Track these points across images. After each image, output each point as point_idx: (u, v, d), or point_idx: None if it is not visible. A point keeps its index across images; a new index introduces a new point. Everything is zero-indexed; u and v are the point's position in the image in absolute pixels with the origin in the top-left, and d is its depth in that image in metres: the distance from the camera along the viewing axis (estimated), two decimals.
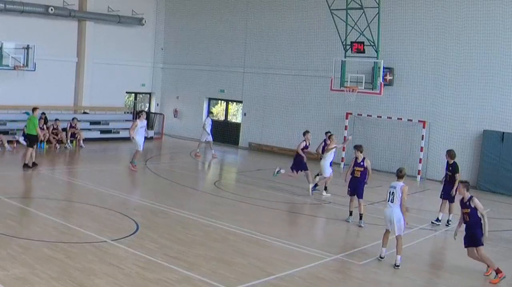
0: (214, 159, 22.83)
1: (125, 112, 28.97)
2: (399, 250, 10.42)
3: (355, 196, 13.61)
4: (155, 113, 29.96)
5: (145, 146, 19.63)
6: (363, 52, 20.43)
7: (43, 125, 22.32)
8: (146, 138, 19.71)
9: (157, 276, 8.80)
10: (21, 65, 23.05)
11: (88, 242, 10.35)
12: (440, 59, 20.92)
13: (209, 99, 29.22)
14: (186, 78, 29.45)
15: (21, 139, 22.14)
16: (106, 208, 13.13)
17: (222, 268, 9.48)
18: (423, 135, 21.06)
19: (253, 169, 21.05)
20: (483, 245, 10.17)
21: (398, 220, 10.50)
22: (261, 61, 26.42)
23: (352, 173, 13.69)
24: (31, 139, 18.08)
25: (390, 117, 21.86)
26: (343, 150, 21.97)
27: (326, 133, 17.92)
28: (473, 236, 10.15)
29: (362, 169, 13.55)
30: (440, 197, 14.22)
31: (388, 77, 21.62)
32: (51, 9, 24.45)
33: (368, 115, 22.36)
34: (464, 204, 10.27)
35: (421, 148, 21.08)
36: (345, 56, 21.06)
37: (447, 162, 14.23)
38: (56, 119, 22.97)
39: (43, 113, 23.07)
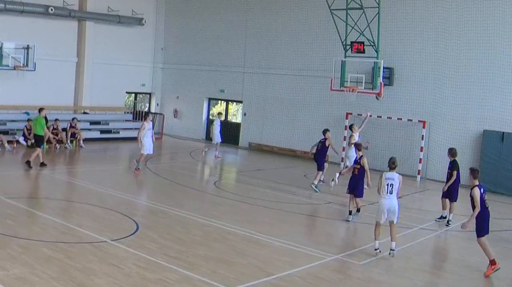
0: (217, 159, 22.80)
1: (125, 112, 28.98)
2: (395, 237, 11.04)
3: (352, 194, 13.72)
4: (155, 113, 29.95)
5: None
6: (363, 52, 20.43)
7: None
8: (153, 141, 18.94)
9: (157, 276, 8.80)
10: (21, 65, 23.06)
11: (88, 242, 10.35)
12: (440, 59, 20.92)
13: (209, 99, 29.23)
14: (186, 78, 29.46)
15: (21, 139, 22.17)
16: (106, 208, 13.13)
17: (222, 268, 9.48)
18: (423, 135, 21.07)
19: (253, 169, 21.05)
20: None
21: (398, 210, 11.13)
22: (261, 61, 26.42)
23: (353, 171, 13.90)
24: (38, 140, 18.13)
25: (390, 117, 21.86)
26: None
27: (324, 131, 17.93)
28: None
29: (359, 167, 13.66)
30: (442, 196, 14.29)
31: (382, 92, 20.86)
32: (51, 9, 24.45)
33: (368, 115, 22.32)
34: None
35: (421, 148, 21.08)
36: (345, 56, 21.06)
37: (449, 160, 14.30)
38: (56, 119, 22.97)
39: None
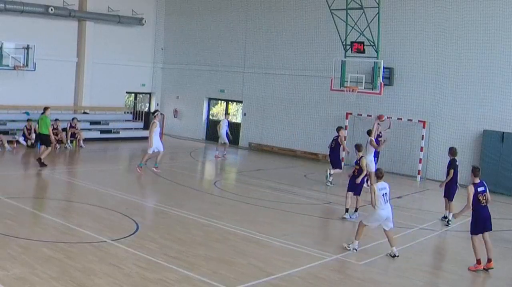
0: (217, 158, 22.77)
1: (125, 112, 28.99)
2: (395, 240, 11.17)
3: (352, 193, 13.84)
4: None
5: (146, 146, 19.50)
6: (363, 52, 20.44)
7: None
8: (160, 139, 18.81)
9: (157, 276, 8.80)
10: (21, 65, 23.07)
11: (88, 242, 10.35)
12: (440, 59, 20.92)
13: (209, 99, 29.23)
14: (186, 78, 29.46)
15: (21, 139, 22.18)
16: (106, 208, 13.13)
17: (222, 268, 9.48)
18: (423, 135, 21.06)
19: (253, 169, 21.05)
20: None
21: (393, 216, 11.23)
22: (261, 61, 26.42)
23: (353, 172, 14.05)
24: (45, 139, 18.17)
25: (390, 117, 21.84)
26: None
27: (337, 129, 18.01)
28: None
29: (358, 167, 13.81)
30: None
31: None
32: (51, 9, 24.46)
33: (368, 115, 22.36)
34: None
35: (421, 148, 21.08)
36: (345, 56, 21.07)
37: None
38: (56, 119, 22.96)
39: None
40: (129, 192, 15.21)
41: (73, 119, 23.90)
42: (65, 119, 23.84)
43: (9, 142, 21.52)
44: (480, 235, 10.61)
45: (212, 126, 29.11)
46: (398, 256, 10.89)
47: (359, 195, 14.03)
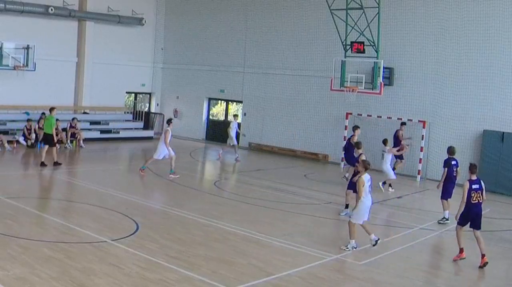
0: (237, 162, 22.48)
1: (125, 112, 28.99)
2: (372, 229, 11.51)
3: (352, 191, 13.91)
4: (155, 113, 29.96)
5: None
6: (363, 52, 20.44)
7: (43, 125, 22.34)
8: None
9: (157, 276, 8.80)
10: (21, 65, 23.07)
11: (88, 242, 10.35)
12: (440, 59, 20.92)
13: (209, 99, 29.23)
14: (186, 78, 29.46)
15: (21, 139, 22.18)
16: (106, 208, 13.13)
17: (222, 268, 9.48)
18: (423, 135, 21.06)
19: (253, 169, 21.05)
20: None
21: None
22: (261, 61, 26.42)
23: (354, 170, 14.18)
24: (50, 139, 18.23)
25: (390, 117, 21.86)
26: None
27: (353, 128, 18.13)
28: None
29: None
30: None
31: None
32: (51, 9, 24.45)
33: (368, 115, 22.37)
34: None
35: (421, 147, 21.08)
36: (345, 56, 21.07)
37: None
38: (56, 119, 22.89)
39: (43, 113, 23.10)
40: (129, 192, 15.21)
41: (73, 119, 23.91)
42: (65, 119, 23.83)
43: (9, 142, 21.53)
44: (469, 230, 10.91)
45: (212, 126, 29.14)
46: (379, 239, 11.23)
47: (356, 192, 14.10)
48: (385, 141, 17.90)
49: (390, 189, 17.90)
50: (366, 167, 11.40)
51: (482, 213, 10.97)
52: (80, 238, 10.60)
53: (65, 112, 25.75)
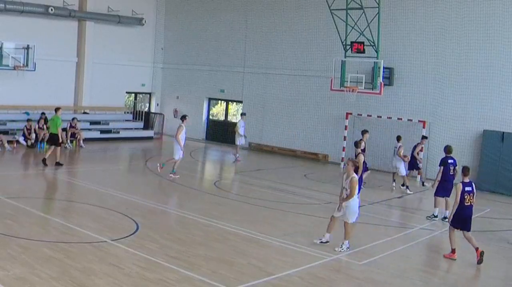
0: (237, 161, 22.34)
1: (125, 112, 28.99)
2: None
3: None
4: (155, 113, 29.96)
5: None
6: (363, 52, 20.44)
7: (43, 125, 22.36)
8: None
9: (157, 276, 8.80)
10: (21, 65, 23.07)
11: (88, 242, 10.35)
12: (440, 59, 20.92)
13: (209, 99, 29.23)
14: (186, 78, 29.45)
15: (21, 139, 22.17)
16: (106, 208, 13.13)
17: (222, 268, 9.48)
18: (423, 135, 21.02)
19: (253, 169, 21.05)
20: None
21: None
22: (261, 61, 26.42)
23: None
24: (55, 138, 18.27)
25: (390, 117, 21.86)
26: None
27: (362, 132, 18.09)
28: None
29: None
30: None
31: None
32: (51, 9, 24.45)
33: (368, 115, 22.36)
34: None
35: (421, 148, 21.03)
36: (345, 56, 21.06)
37: None
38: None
39: (43, 113, 23.14)
40: (129, 192, 15.21)
41: (73, 119, 23.91)
42: (65, 119, 23.75)
43: (9, 142, 21.52)
44: (459, 231, 11.13)
45: (212, 126, 29.14)
46: (348, 248, 11.02)
47: (358, 192, 14.05)
48: (398, 138, 18.36)
49: (408, 190, 18.11)
50: (356, 165, 11.37)
51: (473, 216, 11.20)
52: (80, 238, 10.59)
53: (65, 112, 25.62)
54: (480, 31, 19.97)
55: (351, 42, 20.59)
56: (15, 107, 24.02)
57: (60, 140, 18.65)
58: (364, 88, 20.49)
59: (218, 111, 30.05)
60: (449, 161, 14.26)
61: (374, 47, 20.30)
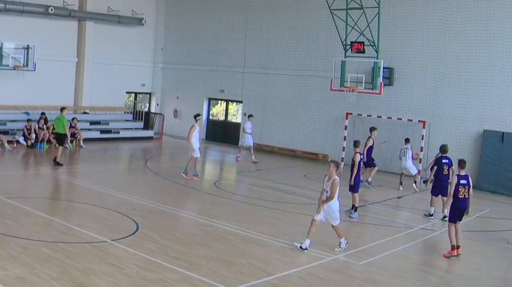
0: (253, 163, 22.09)
1: (125, 112, 28.99)
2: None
3: (351, 192, 14.07)
4: (155, 113, 29.96)
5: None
6: (363, 52, 20.45)
7: (43, 125, 22.35)
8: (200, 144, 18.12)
9: (157, 276, 8.80)
10: (21, 65, 23.07)
11: (88, 242, 10.35)
12: (440, 59, 20.91)
13: (209, 99, 29.22)
14: (186, 78, 29.45)
15: (21, 139, 22.17)
16: (106, 208, 13.13)
17: (222, 268, 9.48)
18: (423, 135, 21.06)
19: (253, 169, 21.04)
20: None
21: None
22: (261, 61, 26.42)
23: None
24: (60, 138, 18.32)
25: (390, 117, 21.86)
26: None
27: (370, 129, 18.39)
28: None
29: (353, 163, 14.01)
30: None
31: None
32: (51, 9, 24.45)
33: (368, 115, 22.36)
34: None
35: (421, 147, 21.07)
36: (345, 56, 21.07)
37: None
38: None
39: (43, 113, 23.13)
40: (129, 192, 15.21)
41: (73, 119, 23.87)
42: None
43: (9, 142, 21.52)
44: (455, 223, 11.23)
45: (212, 126, 29.14)
46: (347, 243, 11.03)
47: (357, 191, 14.10)
48: (407, 140, 18.44)
49: (415, 185, 18.37)
50: (338, 166, 11.24)
51: (468, 209, 11.32)
52: (80, 238, 10.60)
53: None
54: (480, 31, 19.97)
55: (351, 42, 20.60)
56: (15, 107, 24.03)
57: (65, 141, 18.76)
58: (364, 88, 20.51)
59: (218, 111, 30.05)
60: (444, 161, 14.34)
61: (374, 47, 20.30)
